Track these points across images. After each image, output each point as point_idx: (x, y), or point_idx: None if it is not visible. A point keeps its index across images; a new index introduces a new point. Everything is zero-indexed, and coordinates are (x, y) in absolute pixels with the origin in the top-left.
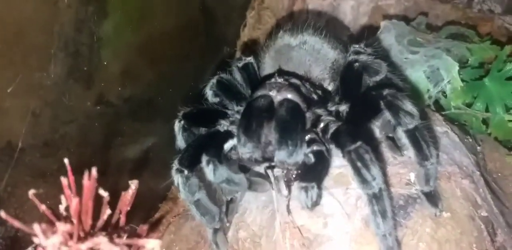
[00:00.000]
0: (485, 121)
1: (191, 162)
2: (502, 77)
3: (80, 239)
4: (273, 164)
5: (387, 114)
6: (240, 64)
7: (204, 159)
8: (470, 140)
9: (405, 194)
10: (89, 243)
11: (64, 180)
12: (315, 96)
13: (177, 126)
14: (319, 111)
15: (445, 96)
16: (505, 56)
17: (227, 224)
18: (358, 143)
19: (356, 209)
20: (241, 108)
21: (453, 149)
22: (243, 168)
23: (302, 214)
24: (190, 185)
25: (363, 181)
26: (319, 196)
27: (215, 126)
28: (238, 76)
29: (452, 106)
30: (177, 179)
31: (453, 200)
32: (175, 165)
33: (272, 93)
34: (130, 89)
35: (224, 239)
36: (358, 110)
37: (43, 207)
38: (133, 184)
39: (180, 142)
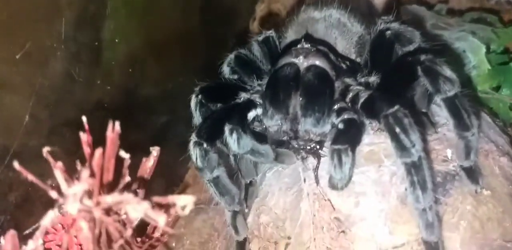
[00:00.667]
0: None
1: (210, 134)
2: None
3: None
4: (299, 135)
5: (424, 82)
6: (260, 38)
7: (227, 127)
8: (500, 123)
9: (443, 171)
10: (115, 196)
11: (83, 136)
12: (343, 66)
13: (194, 101)
14: (348, 80)
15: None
16: None
17: (246, 210)
18: (396, 107)
19: (391, 186)
20: (262, 83)
21: (487, 128)
22: (269, 140)
23: (331, 194)
24: (209, 159)
25: (402, 148)
26: (352, 165)
27: (235, 100)
28: (257, 51)
29: (479, 90)
30: (195, 153)
31: (492, 178)
32: (193, 137)
33: (299, 60)
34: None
35: (244, 223)
36: (392, 78)
37: (58, 164)
38: (155, 151)
39: (198, 119)
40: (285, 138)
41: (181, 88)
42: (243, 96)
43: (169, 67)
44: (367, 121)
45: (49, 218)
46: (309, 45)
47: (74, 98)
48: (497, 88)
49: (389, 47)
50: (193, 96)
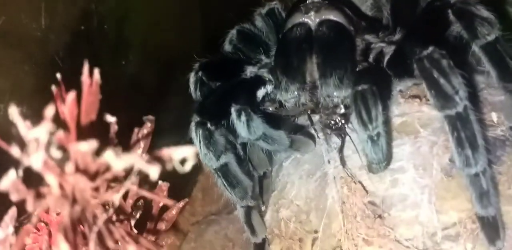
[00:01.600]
0: None
1: (214, 113)
2: None
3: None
4: (321, 105)
5: (458, 28)
6: (264, 11)
7: (234, 108)
8: None
9: (491, 137)
10: (92, 143)
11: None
12: (362, 22)
13: (193, 79)
14: (369, 38)
15: None
16: None
17: (262, 207)
18: (431, 47)
19: (432, 158)
20: (270, 58)
21: None
22: (284, 123)
23: (362, 175)
24: (214, 143)
25: (443, 96)
26: (389, 141)
27: (241, 76)
28: (262, 25)
29: None
30: (198, 135)
31: None
32: (195, 117)
33: (310, 16)
34: None
35: (260, 221)
36: (420, 29)
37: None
38: (149, 121)
39: (199, 100)
40: (305, 112)
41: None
42: (250, 70)
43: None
44: (396, 88)
45: (9, 180)
46: None
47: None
48: None
49: (413, 0)
50: (192, 74)
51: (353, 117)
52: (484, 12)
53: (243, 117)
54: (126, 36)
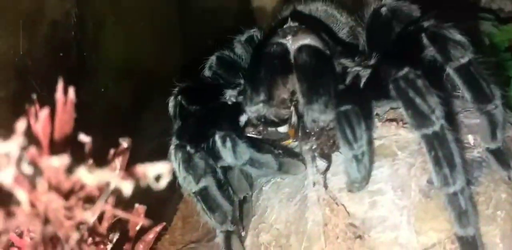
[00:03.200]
0: None
1: (194, 135)
2: None
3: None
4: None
5: (432, 52)
6: (243, 38)
7: (218, 135)
8: None
9: (468, 158)
10: (64, 158)
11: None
12: (338, 46)
13: (173, 103)
14: (346, 62)
15: None
16: None
17: (242, 232)
18: (406, 68)
19: (410, 179)
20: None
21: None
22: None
23: (342, 197)
24: (194, 166)
25: (419, 116)
26: (371, 159)
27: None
28: (241, 52)
29: None
30: (177, 158)
31: None
32: (174, 141)
33: (287, 40)
34: None
35: (240, 246)
36: (395, 53)
37: None
38: (125, 142)
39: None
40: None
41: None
42: (230, 94)
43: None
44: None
45: None
46: (297, 23)
47: None
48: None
49: (387, 26)
50: (172, 98)
51: (338, 138)
52: (457, 36)
53: (228, 144)
54: (105, 62)
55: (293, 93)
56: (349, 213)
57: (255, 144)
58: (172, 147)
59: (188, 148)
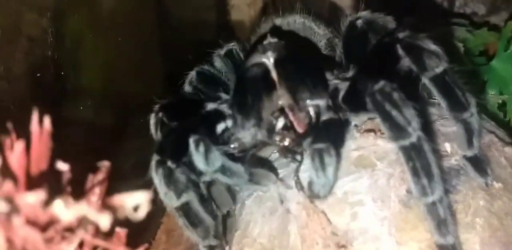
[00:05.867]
0: (501, 108)
1: (174, 150)
2: (511, 56)
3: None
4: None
5: (407, 63)
6: (222, 52)
7: (192, 138)
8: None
9: (445, 167)
10: (40, 194)
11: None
12: (317, 59)
13: (154, 120)
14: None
15: None
16: (509, 32)
17: (226, 248)
18: (382, 82)
19: (389, 190)
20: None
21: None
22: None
23: (322, 209)
24: (175, 181)
25: (397, 128)
26: (336, 168)
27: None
28: (221, 66)
29: None
30: (159, 175)
31: (501, 170)
32: (155, 156)
33: (267, 56)
34: None
35: None
36: (371, 65)
37: None
38: (104, 167)
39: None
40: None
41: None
42: (210, 106)
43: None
44: (352, 122)
45: None
46: (276, 39)
47: None
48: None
49: (363, 38)
50: (153, 115)
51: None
52: (432, 46)
53: (201, 148)
54: (83, 81)
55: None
56: (330, 221)
57: (229, 155)
58: (153, 163)
59: (169, 163)
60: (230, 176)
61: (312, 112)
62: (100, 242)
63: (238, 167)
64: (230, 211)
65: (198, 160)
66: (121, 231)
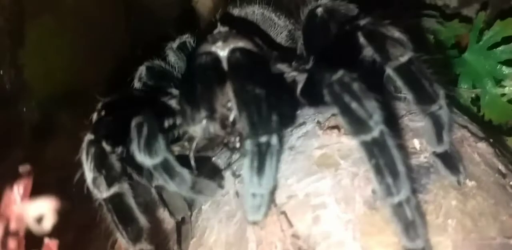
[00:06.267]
0: (474, 103)
1: (112, 132)
2: (483, 47)
3: None
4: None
5: (370, 52)
6: (175, 45)
7: (135, 121)
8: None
9: (414, 164)
10: None
11: None
12: (274, 51)
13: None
14: (282, 67)
15: None
16: (481, 23)
17: None
18: (341, 72)
19: (354, 191)
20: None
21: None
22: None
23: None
24: (108, 167)
25: (357, 122)
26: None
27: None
28: (174, 60)
29: None
30: (89, 154)
31: (474, 167)
32: (88, 136)
33: (217, 47)
34: None
35: None
36: (331, 55)
37: None
38: (25, 171)
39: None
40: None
41: None
42: (158, 101)
43: None
44: (313, 120)
45: None
46: (227, 28)
47: None
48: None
49: (324, 28)
50: (95, 114)
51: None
52: (395, 33)
53: (144, 131)
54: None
55: None
56: (291, 224)
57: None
58: (85, 142)
59: (104, 143)
60: (172, 177)
61: None
62: None
63: (182, 169)
64: (185, 217)
65: (138, 146)
66: (51, 243)
